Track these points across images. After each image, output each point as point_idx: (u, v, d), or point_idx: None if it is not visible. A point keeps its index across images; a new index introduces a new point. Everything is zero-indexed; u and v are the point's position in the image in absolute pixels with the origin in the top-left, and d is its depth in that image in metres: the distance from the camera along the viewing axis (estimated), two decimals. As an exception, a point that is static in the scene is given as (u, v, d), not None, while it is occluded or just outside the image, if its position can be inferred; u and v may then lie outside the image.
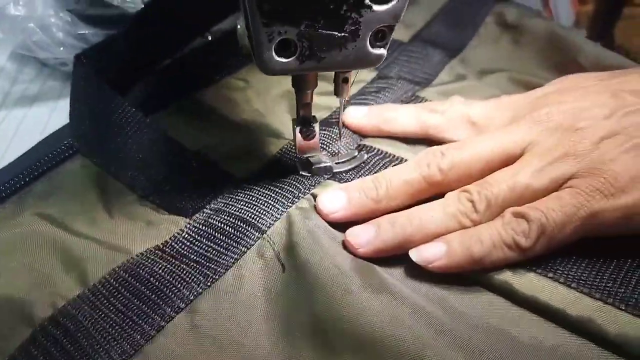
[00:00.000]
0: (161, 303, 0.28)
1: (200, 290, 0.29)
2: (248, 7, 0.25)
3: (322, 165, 0.36)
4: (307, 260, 0.29)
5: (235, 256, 0.31)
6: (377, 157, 0.37)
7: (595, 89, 0.34)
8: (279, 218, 0.32)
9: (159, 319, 0.27)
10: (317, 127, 0.34)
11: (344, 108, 0.38)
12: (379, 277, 0.29)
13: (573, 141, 0.30)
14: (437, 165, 0.32)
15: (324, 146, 0.37)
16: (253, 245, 0.31)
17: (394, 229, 0.30)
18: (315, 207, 0.33)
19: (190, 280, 0.29)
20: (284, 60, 0.28)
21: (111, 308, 0.28)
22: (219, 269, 0.30)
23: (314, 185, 0.35)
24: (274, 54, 0.27)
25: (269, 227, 0.32)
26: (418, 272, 0.30)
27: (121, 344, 0.26)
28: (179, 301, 0.28)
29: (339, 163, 0.37)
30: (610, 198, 0.29)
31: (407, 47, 0.49)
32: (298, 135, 0.34)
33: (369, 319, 0.26)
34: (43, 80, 0.48)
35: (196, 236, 0.32)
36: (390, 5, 0.27)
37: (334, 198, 0.32)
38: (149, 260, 0.30)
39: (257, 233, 0.31)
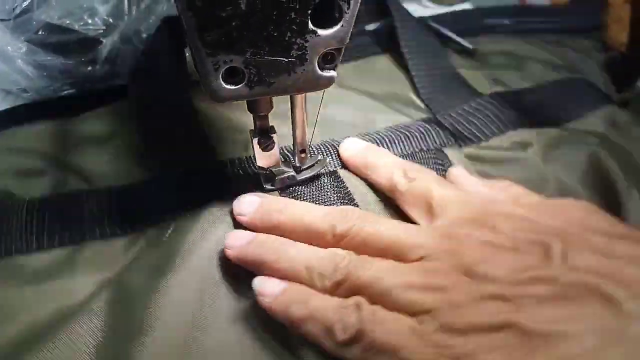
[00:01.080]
0: None
1: None
2: (190, 38, 0.25)
3: (285, 175, 0.36)
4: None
5: None
6: (331, 178, 0.37)
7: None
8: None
9: None
10: (276, 137, 0.34)
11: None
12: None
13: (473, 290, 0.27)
14: (343, 227, 0.31)
15: (285, 156, 0.37)
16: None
17: (259, 248, 0.31)
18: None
19: None
20: (232, 87, 0.28)
21: None
22: None
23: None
24: (221, 81, 0.27)
25: None
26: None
27: None
28: None
29: (302, 170, 0.36)
30: None
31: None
32: (257, 146, 0.34)
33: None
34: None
35: None
36: (335, 29, 0.27)
37: (249, 202, 0.33)
38: None
39: None
